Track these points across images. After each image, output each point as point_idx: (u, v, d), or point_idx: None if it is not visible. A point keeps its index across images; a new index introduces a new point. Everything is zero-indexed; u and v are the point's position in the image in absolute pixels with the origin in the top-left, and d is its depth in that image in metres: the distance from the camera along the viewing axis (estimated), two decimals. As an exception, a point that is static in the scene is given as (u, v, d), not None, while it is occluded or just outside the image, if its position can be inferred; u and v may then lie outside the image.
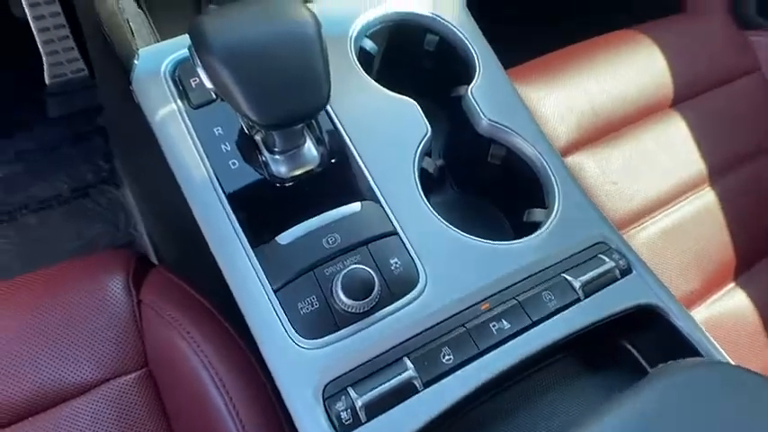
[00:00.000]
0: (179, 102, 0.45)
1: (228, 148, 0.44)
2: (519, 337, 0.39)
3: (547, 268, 0.42)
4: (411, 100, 0.49)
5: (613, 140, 0.72)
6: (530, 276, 0.42)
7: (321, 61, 0.37)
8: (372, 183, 0.44)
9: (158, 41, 0.50)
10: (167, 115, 0.45)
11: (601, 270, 0.42)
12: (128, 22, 0.50)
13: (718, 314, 0.67)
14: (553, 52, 0.77)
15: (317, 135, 0.46)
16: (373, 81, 0.50)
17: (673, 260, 0.67)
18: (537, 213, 0.48)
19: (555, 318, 0.40)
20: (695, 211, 0.71)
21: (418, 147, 0.47)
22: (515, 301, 0.40)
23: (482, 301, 0.40)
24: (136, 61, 0.47)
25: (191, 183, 0.43)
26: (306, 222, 0.41)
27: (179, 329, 0.51)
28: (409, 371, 0.37)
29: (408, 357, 0.38)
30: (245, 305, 0.40)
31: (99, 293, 0.52)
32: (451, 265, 0.42)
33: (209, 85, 0.38)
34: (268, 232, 0.42)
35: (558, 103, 0.71)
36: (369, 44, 0.54)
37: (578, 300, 0.41)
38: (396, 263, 0.41)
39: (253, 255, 0.41)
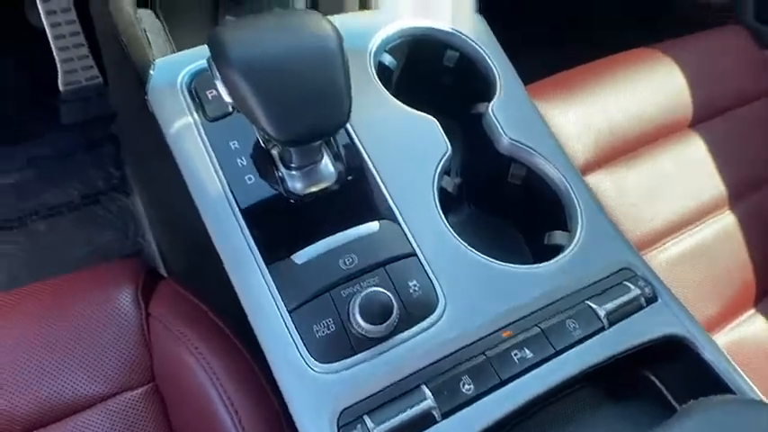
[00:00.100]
0: (195, 114, 0.45)
1: (244, 163, 0.43)
2: (542, 367, 0.38)
3: (570, 295, 0.41)
4: (431, 117, 0.48)
5: (631, 160, 0.71)
6: (552, 303, 0.40)
7: (343, 77, 0.36)
8: (391, 201, 0.43)
9: (174, 52, 0.50)
10: (183, 128, 0.44)
11: (626, 298, 0.40)
12: (145, 33, 0.50)
13: (738, 340, 0.65)
14: (570, 69, 0.77)
15: (335, 151, 0.45)
16: (392, 97, 0.49)
17: (692, 284, 0.65)
18: (558, 236, 0.47)
19: (579, 347, 0.38)
20: (715, 234, 0.69)
21: (438, 165, 0.46)
22: (538, 329, 0.38)
23: (503, 327, 0.39)
24: (152, 72, 0.46)
25: (205, 197, 0.42)
26: (322, 241, 0.40)
27: (187, 344, 0.50)
28: (428, 400, 0.36)
29: (427, 386, 0.36)
30: (258, 325, 0.39)
31: (108, 306, 0.52)
32: (471, 288, 0.40)
33: (227, 98, 0.37)
34: (283, 250, 0.41)
35: (575, 121, 0.70)
36: (387, 59, 0.53)
37: (603, 329, 0.39)
38: (414, 285, 0.40)
39: (267, 273, 0.40)
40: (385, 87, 0.49)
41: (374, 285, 0.39)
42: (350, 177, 0.44)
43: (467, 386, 0.36)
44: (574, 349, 0.38)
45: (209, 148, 0.43)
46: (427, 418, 0.35)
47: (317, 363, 0.37)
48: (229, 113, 0.44)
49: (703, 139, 0.74)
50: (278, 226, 0.42)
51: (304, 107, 0.35)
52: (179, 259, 0.75)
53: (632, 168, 0.70)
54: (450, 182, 0.49)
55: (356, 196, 0.44)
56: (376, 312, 0.37)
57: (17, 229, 0.90)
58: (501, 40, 0.56)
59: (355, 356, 0.37)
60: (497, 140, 0.50)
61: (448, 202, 0.49)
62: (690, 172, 0.72)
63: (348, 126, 0.46)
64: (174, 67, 0.46)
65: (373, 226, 0.42)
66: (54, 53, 0.82)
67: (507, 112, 0.50)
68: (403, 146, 0.46)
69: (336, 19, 0.51)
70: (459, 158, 0.55)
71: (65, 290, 0.55)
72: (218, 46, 0.35)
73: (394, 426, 0.35)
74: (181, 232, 0.62)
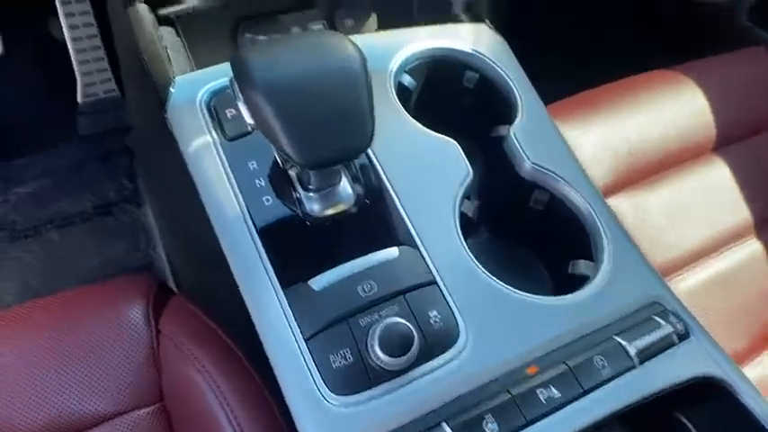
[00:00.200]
0: (213, 133, 0.44)
1: (262, 184, 0.43)
2: (569, 407, 0.36)
3: (597, 329, 0.39)
4: (452, 140, 0.47)
5: (652, 184, 0.69)
6: (579, 338, 0.39)
7: (367, 99, 0.36)
8: (410, 226, 0.42)
9: (194, 70, 0.50)
10: (201, 147, 0.44)
11: (657, 335, 0.39)
12: (166, 50, 0.50)
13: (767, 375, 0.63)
14: (590, 90, 0.76)
15: (354, 173, 0.44)
16: (412, 119, 0.48)
17: (716, 315, 0.63)
18: (582, 266, 0.45)
19: (608, 386, 0.37)
20: (740, 262, 0.67)
21: (459, 190, 0.44)
22: (565, 366, 0.37)
23: (528, 363, 0.37)
24: (172, 89, 0.46)
25: (222, 218, 0.42)
26: (341, 267, 0.39)
27: (197, 365, 0.49)
28: (449, 439, 0.34)
29: (447, 424, 0.35)
30: (273, 351, 0.38)
31: (118, 321, 0.52)
32: (494, 320, 0.39)
33: (249, 120, 0.36)
34: (300, 273, 0.40)
35: (594, 142, 0.68)
36: (407, 79, 0.53)
37: (633, 367, 0.38)
38: (435, 316, 0.38)
39: (284, 298, 0.39)
40: (404, 108, 0.48)
41: (393, 315, 0.37)
42: (368, 200, 0.43)
43: (490, 425, 0.34)
44: (602, 389, 0.37)
45: (228, 169, 0.43)
46: (448, 459, 0.34)
47: (332, 395, 0.36)
48: (248, 133, 0.44)
49: (727, 163, 0.72)
50: (295, 249, 0.41)
51: (327, 131, 0.35)
52: (190, 273, 0.74)
53: (653, 192, 0.68)
54: (471, 207, 0.48)
55: (375, 220, 0.43)
56: (396, 344, 0.35)
57: (32, 237, 0.91)
58: (520, 60, 0.55)
59: (373, 390, 0.36)
60: (519, 165, 0.49)
61: (467, 226, 0.47)
62: (713, 197, 0.70)
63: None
64: (193, 85, 0.46)
65: (392, 252, 0.40)
66: (74, 66, 0.83)
67: (530, 135, 0.49)
68: (423, 169, 0.45)
69: (356, 39, 0.51)
70: (477, 181, 0.54)
71: (76, 304, 0.54)
72: (242, 68, 0.35)
73: None
74: (193, 248, 0.62)
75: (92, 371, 0.48)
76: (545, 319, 0.39)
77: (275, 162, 0.44)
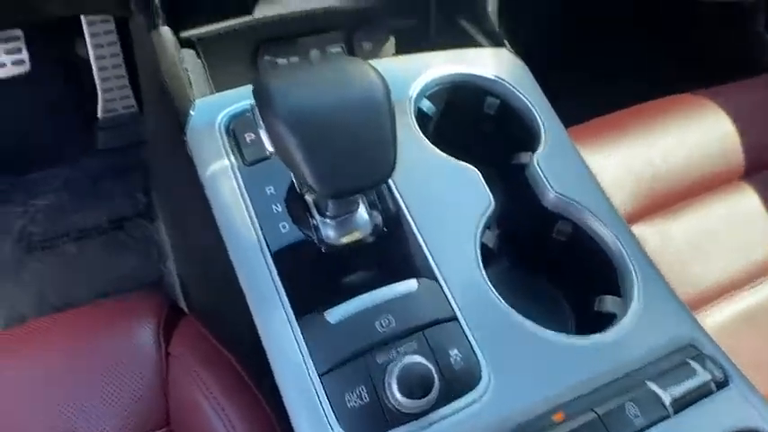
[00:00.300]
0: (232, 157, 0.44)
1: (279, 210, 0.42)
2: None
3: (628, 374, 0.37)
4: (473, 167, 0.46)
5: (677, 212, 0.67)
6: (609, 382, 0.37)
7: (389, 130, 0.35)
8: (430, 258, 0.41)
9: (213, 92, 0.50)
10: (219, 170, 0.43)
11: (694, 382, 0.36)
12: (186, 72, 0.50)
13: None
14: (612, 113, 0.74)
15: (372, 200, 0.43)
16: (432, 145, 0.47)
17: (746, 354, 0.58)
18: (609, 303, 0.43)
19: None
20: (771, 296, 0.64)
21: (481, 220, 0.43)
22: (594, 414, 0.34)
23: (554, 409, 0.35)
24: (192, 112, 0.46)
25: (238, 244, 0.41)
26: (358, 299, 0.38)
27: (204, 390, 0.49)
28: (470, 491, 0.32)
29: (469, 472, 0.33)
30: (285, 385, 0.37)
31: (129, 342, 0.51)
32: (518, 359, 0.37)
33: (270, 148, 0.36)
34: (316, 304, 0.38)
35: (616, 166, 0.67)
36: (426, 105, 0.52)
37: (667, 416, 0.35)
38: (456, 355, 0.36)
39: (298, 329, 0.37)
40: (423, 134, 0.48)
41: (412, 352, 0.36)
42: (386, 229, 0.42)
43: None
44: None
45: (245, 194, 0.42)
46: None
47: (347, 437, 0.34)
48: (267, 158, 0.43)
49: (757, 190, 0.69)
50: (311, 278, 0.40)
51: (349, 160, 0.34)
52: (201, 293, 0.73)
53: (678, 221, 0.66)
54: (492, 237, 0.46)
55: (393, 250, 0.41)
56: (415, 385, 0.34)
57: (49, 249, 0.92)
58: (541, 84, 0.54)
59: None
60: (542, 194, 0.47)
61: (487, 257, 0.46)
62: (742, 227, 0.67)
63: None
64: (213, 108, 0.46)
65: (411, 284, 0.39)
66: (96, 82, 0.85)
67: (553, 163, 0.48)
68: (443, 197, 0.44)
69: (376, 64, 0.50)
70: (497, 209, 0.53)
71: (87, 322, 0.55)
72: (264, 95, 0.34)
73: None
74: (206, 269, 0.61)
75: (100, 391, 0.48)
76: (572, 359, 0.38)
77: (292, 187, 0.43)
